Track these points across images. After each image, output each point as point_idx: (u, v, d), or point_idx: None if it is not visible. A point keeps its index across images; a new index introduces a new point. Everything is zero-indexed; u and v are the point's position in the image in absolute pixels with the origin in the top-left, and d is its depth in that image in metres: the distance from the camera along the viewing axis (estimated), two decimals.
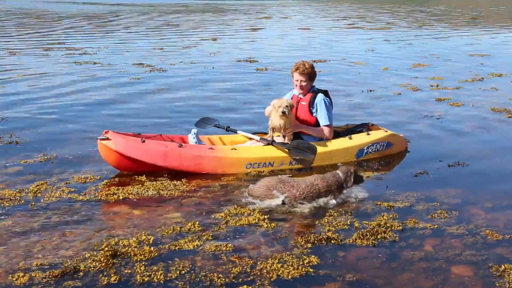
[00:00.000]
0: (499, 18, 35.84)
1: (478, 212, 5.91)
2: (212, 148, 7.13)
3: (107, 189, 6.39)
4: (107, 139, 6.81)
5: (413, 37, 23.87)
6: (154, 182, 6.61)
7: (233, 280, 4.49)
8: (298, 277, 4.57)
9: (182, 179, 6.70)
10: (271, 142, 7.30)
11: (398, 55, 18.30)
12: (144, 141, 6.90)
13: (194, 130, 7.52)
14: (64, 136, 8.58)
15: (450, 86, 12.89)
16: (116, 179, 6.82)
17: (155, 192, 6.34)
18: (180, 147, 6.96)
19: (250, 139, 7.72)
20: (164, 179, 6.74)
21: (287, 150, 7.13)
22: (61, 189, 6.35)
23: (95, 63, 15.65)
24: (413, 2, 47.52)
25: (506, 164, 7.60)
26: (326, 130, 7.45)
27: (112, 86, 12.56)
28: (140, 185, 6.52)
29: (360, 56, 17.85)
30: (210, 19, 33.53)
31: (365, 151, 7.53)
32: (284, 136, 7.43)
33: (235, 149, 7.19)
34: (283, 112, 7.08)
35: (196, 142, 7.38)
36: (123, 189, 6.37)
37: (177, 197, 6.24)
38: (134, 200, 6.14)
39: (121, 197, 6.17)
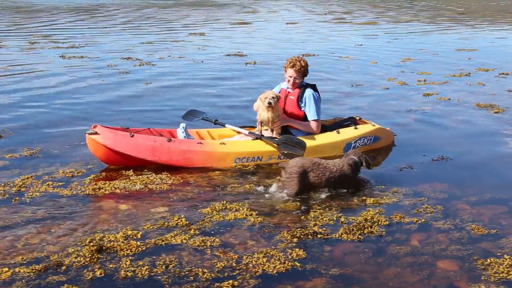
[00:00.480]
0: (489, 14, 35.98)
1: (463, 207, 5.93)
2: (201, 143, 7.10)
3: (93, 183, 6.36)
4: (96, 133, 6.77)
5: (402, 32, 23.89)
6: (141, 177, 6.58)
7: (218, 275, 4.48)
8: (284, 272, 4.56)
9: (169, 174, 6.68)
10: (260, 137, 7.28)
11: (386, 50, 18.31)
12: (133, 136, 6.87)
13: (183, 124, 7.50)
14: (50, 130, 8.53)
15: (437, 81, 12.92)
16: (102, 173, 6.78)
17: (142, 186, 6.32)
18: (169, 141, 6.94)
19: (238, 133, 7.70)
20: (151, 173, 6.71)
21: (276, 145, 7.12)
22: (47, 183, 6.31)
23: (82, 56, 15.55)
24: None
25: (491, 159, 7.62)
26: (314, 125, 7.44)
27: (100, 80, 12.49)
28: (127, 180, 6.49)
29: (349, 51, 17.85)
30: (199, 13, 33.40)
31: (353, 145, 7.54)
32: (272, 130, 7.42)
33: (224, 143, 7.18)
34: (269, 103, 7.07)
35: (185, 136, 7.36)
36: (110, 183, 6.33)
37: (164, 192, 6.21)
38: (121, 194, 6.11)
39: (107, 192, 6.14)
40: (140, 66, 14.34)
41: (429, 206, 5.88)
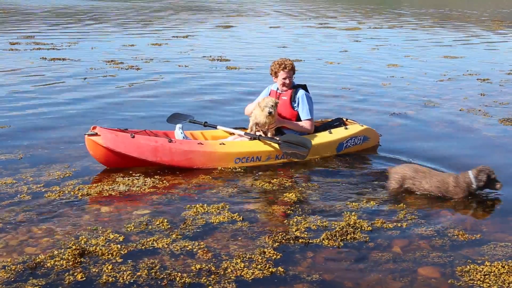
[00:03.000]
0: (473, 20, 36.31)
1: (445, 213, 5.96)
2: (201, 143, 7.09)
3: (77, 186, 6.30)
4: (96, 134, 6.68)
5: (387, 38, 24.03)
6: (125, 180, 6.53)
7: (196, 280, 4.45)
8: (265, 277, 4.54)
9: (154, 177, 6.65)
10: (258, 137, 7.28)
11: (372, 55, 18.41)
12: (133, 137, 6.81)
13: (179, 125, 7.45)
14: (34, 132, 8.45)
15: (423, 86, 13.03)
16: (87, 176, 6.69)
17: (126, 189, 6.28)
18: (170, 142, 6.90)
19: (231, 134, 7.69)
20: (136, 176, 6.66)
21: (276, 145, 7.12)
22: (30, 185, 6.25)
23: (64, 59, 15.45)
24: (387, 4, 48.08)
25: (473, 164, 7.63)
26: (308, 124, 7.51)
27: (84, 82, 12.42)
28: (111, 183, 6.44)
29: (334, 56, 17.92)
30: (183, 17, 33.35)
31: (344, 145, 7.64)
32: (264, 132, 7.42)
33: (223, 144, 7.18)
34: (270, 113, 7.12)
35: (183, 137, 7.32)
36: (94, 186, 6.29)
37: (148, 195, 6.18)
38: (104, 197, 6.07)
39: (91, 195, 6.09)
40: (124, 69, 14.28)
41: (411, 212, 5.90)
